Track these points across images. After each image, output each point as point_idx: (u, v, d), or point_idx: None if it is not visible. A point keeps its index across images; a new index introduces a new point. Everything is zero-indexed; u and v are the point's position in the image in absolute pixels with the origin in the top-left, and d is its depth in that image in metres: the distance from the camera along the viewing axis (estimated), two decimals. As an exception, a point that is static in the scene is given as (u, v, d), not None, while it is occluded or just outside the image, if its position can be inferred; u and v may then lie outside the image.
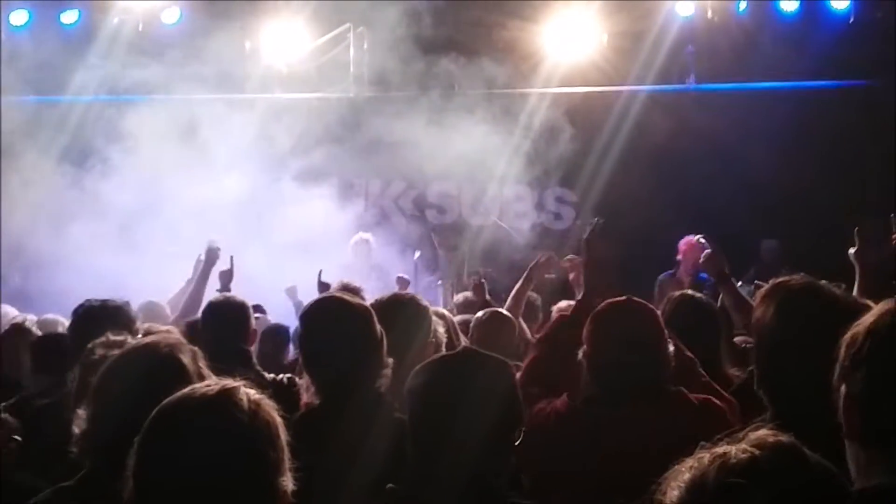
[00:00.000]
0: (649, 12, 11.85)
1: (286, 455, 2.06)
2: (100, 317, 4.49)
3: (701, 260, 6.17)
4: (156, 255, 10.37)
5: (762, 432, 1.63)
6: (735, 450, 1.61)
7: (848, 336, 1.90)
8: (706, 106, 11.56)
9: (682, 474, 1.62)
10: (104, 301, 4.71)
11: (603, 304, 3.80)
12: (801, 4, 11.46)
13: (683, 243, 9.73)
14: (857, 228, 5.32)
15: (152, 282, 8.48)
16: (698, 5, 11.66)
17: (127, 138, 11.55)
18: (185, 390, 2.11)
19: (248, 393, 2.08)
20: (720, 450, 1.62)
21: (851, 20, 11.36)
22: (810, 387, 2.35)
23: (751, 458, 1.59)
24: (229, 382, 2.10)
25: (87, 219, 11.09)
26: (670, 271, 9.81)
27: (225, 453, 1.98)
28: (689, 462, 1.62)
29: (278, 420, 2.08)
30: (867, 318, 1.89)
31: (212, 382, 2.14)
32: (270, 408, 2.08)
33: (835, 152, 11.39)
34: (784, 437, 1.63)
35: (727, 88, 11.73)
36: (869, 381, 1.83)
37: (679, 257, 9.76)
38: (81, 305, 4.75)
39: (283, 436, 2.07)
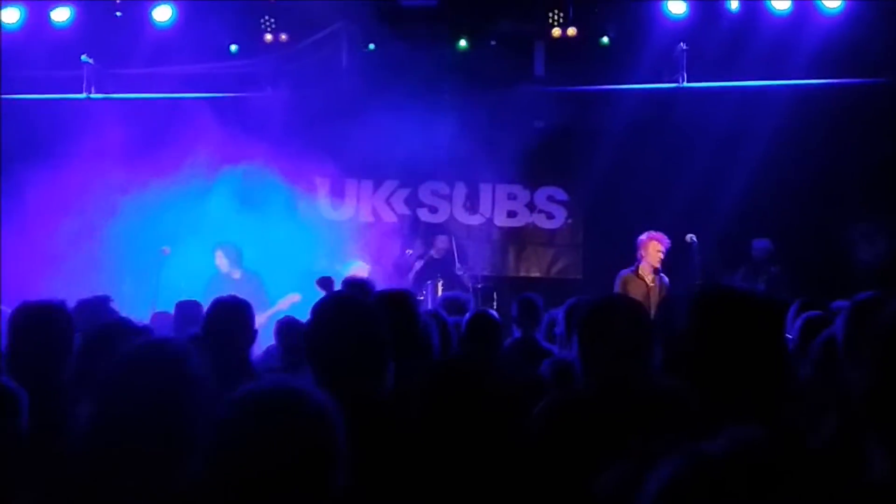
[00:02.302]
0: (641, 11, 11.85)
1: (343, 452, 2.19)
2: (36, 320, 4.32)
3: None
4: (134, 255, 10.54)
5: (737, 429, 1.62)
6: (712, 446, 1.60)
7: (865, 333, 1.95)
8: (698, 104, 11.56)
9: (659, 469, 1.60)
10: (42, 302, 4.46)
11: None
12: (793, 3, 11.45)
13: (646, 238, 9.77)
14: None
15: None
16: (690, 4, 11.65)
17: (116, 136, 11.55)
18: (256, 382, 2.26)
19: (315, 390, 2.25)
20: (696, 446, 1.60)
21: (843, 19, 11.36)
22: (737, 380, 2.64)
23: (730, 454, 1.57)
24: (297, 379, 2.30)
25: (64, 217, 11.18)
26: (631, 267, 9.83)
27: (295, 445, 2.12)
28: (664, 456, 1.60)
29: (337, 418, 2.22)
30: (879, 317, 1.94)
31: (280, 377, 2.36)
32: (331, 405, 2.24)
33: (827, 151, 11.40)
34: (760, 434, 1.61)
35: (719, 87, 11.72)
36: (879, 375, 1.86)
37: (641, 253, 9.79)
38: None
39: (342, 434, 2.20)
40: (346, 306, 3.56)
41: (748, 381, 2.94)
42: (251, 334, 5.10)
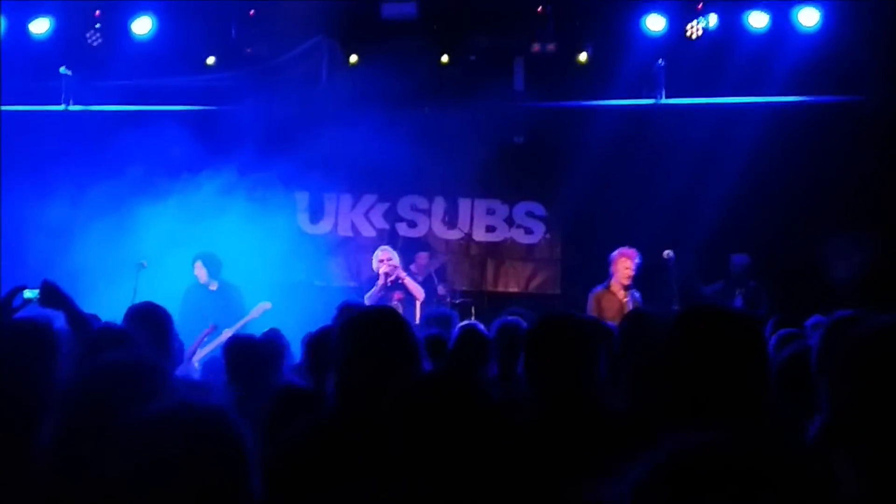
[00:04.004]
0: (620, 27, 11.89)
1: (251, 469, 2.18)
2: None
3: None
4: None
5: (702, 433, 1.60)
6: (679, 449, 1.58)
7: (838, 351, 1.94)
8: (676, 121, 11.60)
9: (624, 475, 1.58)
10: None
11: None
12: (770, 20, 11.52)
13: (616, 254, 9.84)
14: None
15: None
16: (669, 20, 11.69)
17: (94, 148, 11.52)
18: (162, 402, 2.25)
19: (214, 406, 2.22)
20: (663, 450, 1.58)
21: (821, 37, 11.42)
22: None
23: (699, 455, 1.56)
24: (193, 399, 2.24)
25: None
26: (603, 284, 9.87)
27: (193, 465, 2.10)
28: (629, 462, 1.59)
29: (243, 433, 2.20)
30: (855, 332, 1.93)
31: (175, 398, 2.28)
32: (236, 422, 2.21)
33: (805, 168, 11.44)
34: (725, 436, 1.60)
35: (697, 103, 11.77)
36: (852, 393, 1.85)
37: (612, 269, 9.84)
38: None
39: (248, 449, 2.18)
40: (384, 317, 3.55)
41: (730, 401, 2.91)
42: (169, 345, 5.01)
